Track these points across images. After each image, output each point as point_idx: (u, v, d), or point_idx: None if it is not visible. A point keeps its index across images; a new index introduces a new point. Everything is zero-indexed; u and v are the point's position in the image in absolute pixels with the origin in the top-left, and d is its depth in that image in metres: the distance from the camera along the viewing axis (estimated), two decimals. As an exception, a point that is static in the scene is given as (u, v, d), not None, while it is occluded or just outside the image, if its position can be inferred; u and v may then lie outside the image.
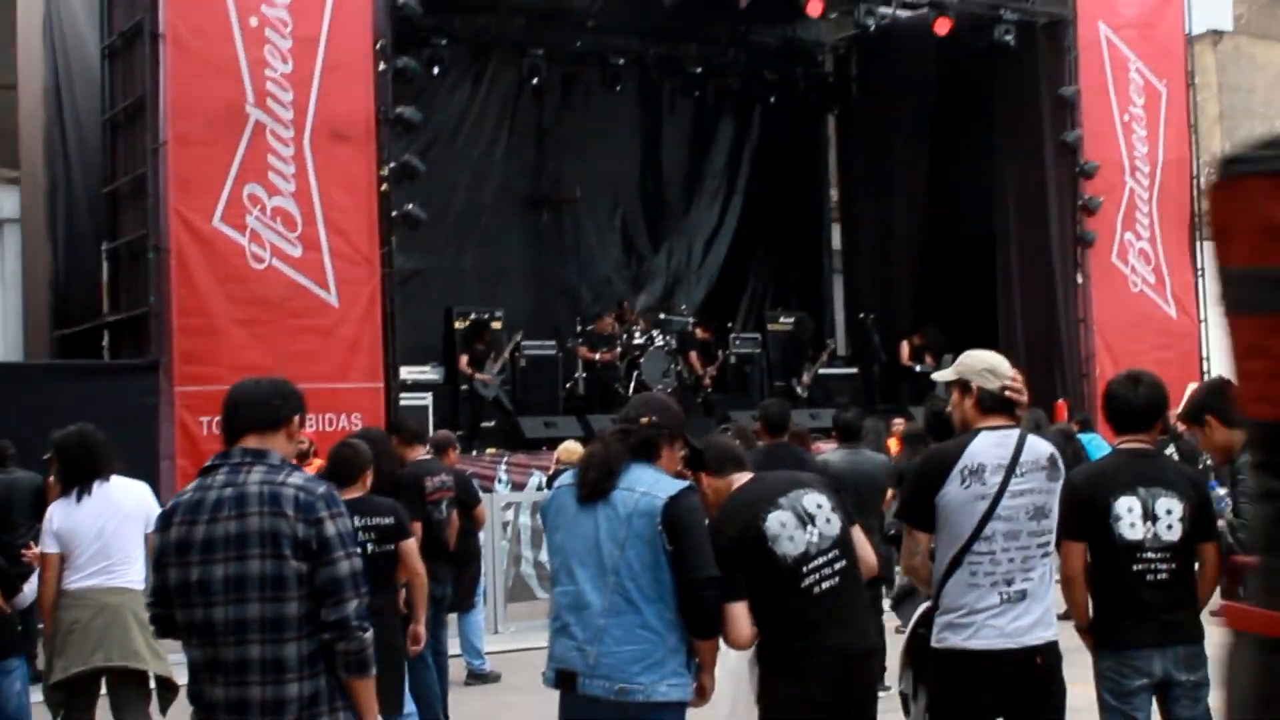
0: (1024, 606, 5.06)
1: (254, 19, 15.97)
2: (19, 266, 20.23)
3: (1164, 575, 5.43)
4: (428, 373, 19.24)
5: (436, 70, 21.39)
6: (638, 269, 23.82)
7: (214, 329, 15.60)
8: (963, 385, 5.38)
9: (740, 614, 4.97)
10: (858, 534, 5.40)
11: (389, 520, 7.28)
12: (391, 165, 16.64)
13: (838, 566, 5.11)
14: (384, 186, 16.60)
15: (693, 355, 20.98)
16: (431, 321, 20.11)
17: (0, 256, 20.42)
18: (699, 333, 21.93)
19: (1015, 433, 5.20)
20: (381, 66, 16.69)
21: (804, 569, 5.05)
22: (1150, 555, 5.42)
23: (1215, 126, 29.84)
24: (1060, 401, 19.75)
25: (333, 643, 4.18)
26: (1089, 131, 21.69)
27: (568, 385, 20.29)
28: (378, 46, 16.68)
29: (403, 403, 17.19)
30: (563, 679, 4.97)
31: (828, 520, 5.15)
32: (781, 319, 23.03)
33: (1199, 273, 23.23)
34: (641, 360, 20.65)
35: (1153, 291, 22.49)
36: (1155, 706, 5.65)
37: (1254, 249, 1.96)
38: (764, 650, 5.12)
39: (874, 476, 10.26)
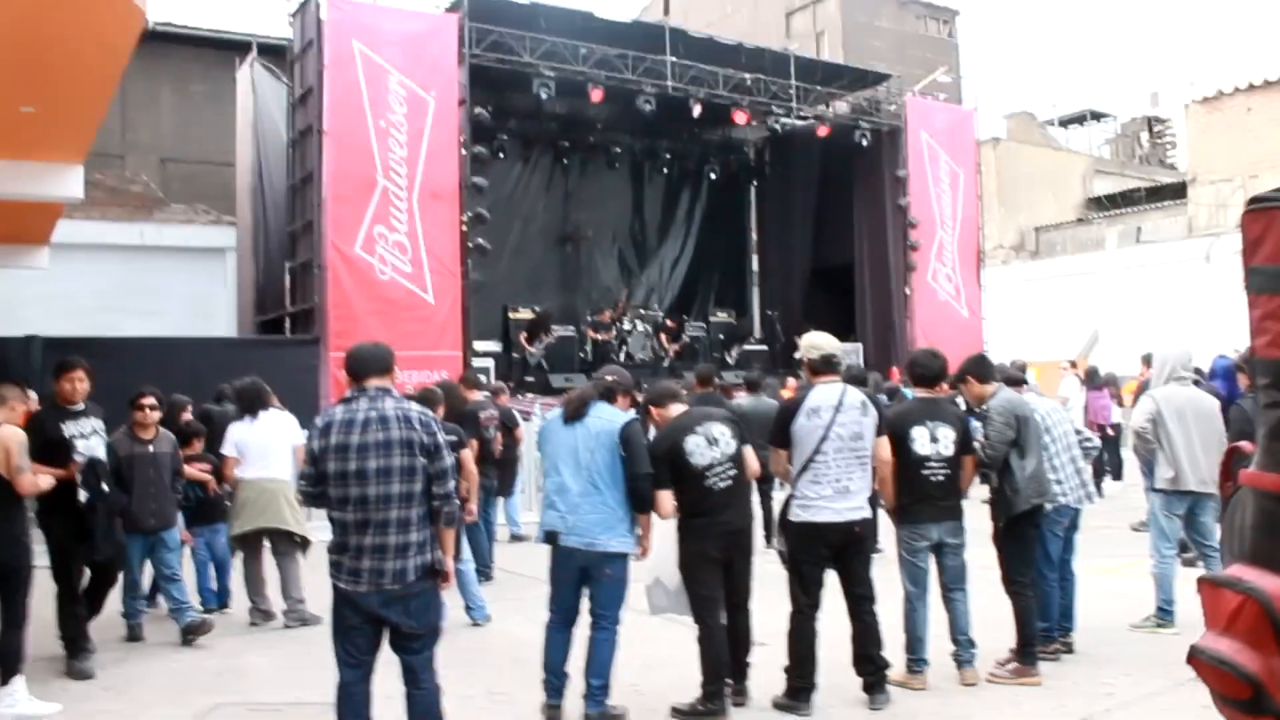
0: (848, 496, 5.33)
1: (382, 121, 16.17)
2: (235, 278, 20.54)
3: (941, 477, 5.69)
4: (491, 345, 19.51)
5: (501, 154, 21.66)
6: (628, 281, 23.85)
7: (354, 317, 15.76)
8: (804, 358, 5.64)
9: (665, 497, 5.24)
10: (748, 451, 5.49)
11: (454, 438, 7.27)
12: (469, 215, 16.89)
13: (731, 474, 5.33)
14: (464, 228, 16.88)
15: (662, 336, 21.20)
16: (495, 314, 20.37)
17: (224, 271, 20.68)
18: (668, 323, 22.10)
19: (840, 385, 5.43)
20: (463, 152, 16.96)
21: (708, 473, 5.26)
22: (933, 464, 5.68)
23: (994, 197, 30.14)
24: (893, 368, 20.04)
25: (440, 507, 4.31)
26: (914, 198, 21.94)
27: (580, 355, 20.56)
28: (461, 139, 16.93)
29: (474, 363, 17.52)
30: (549, 536, 5.29)
31: (727, 443, 5.35)
32: (720, 315, 23.35)
33: (981, 288, 23.66)
34: (629, 339, 21.04)
35: (952, 300, 22.82)
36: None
37: (1274, 252, 1.98)
38: (681, 523, 5.35)
39: (768, 415, 10.41)
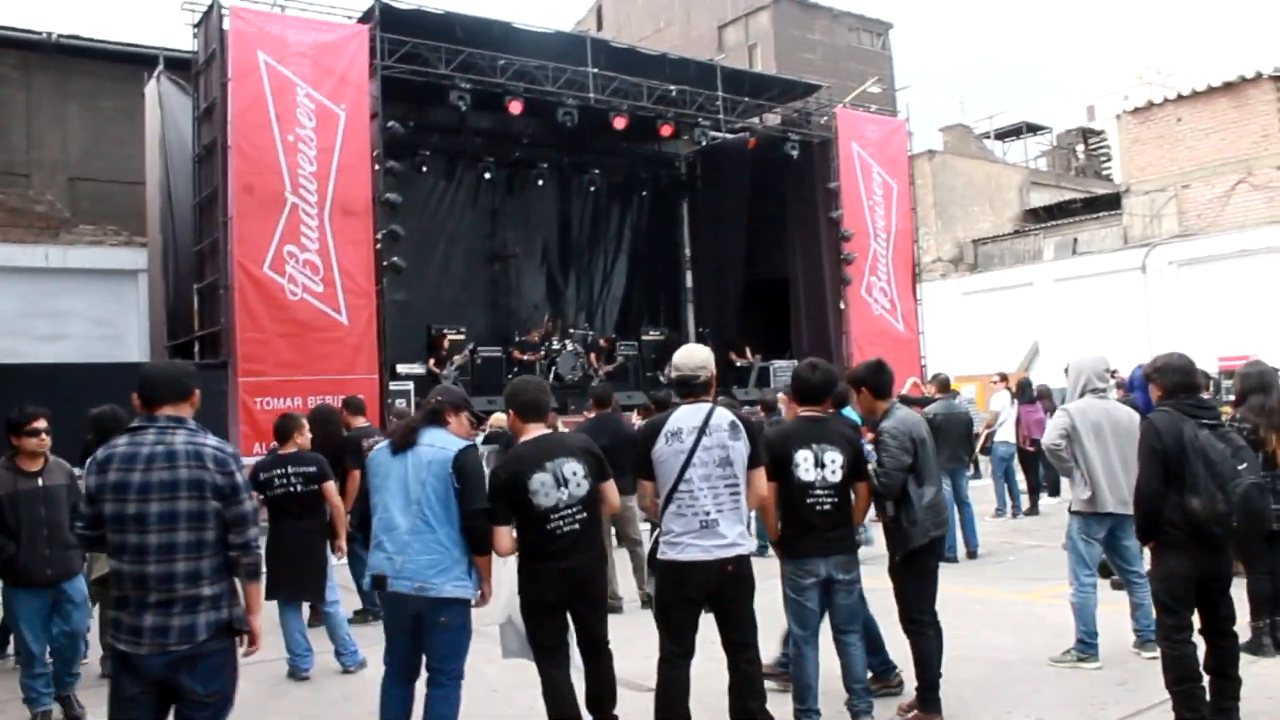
0: (717, 530, 4.71)
1: (290, 135, 15.59)
2: (146, 301, 19.80)
3: (828, 506, 5.12)
4: (416, 368, 18.90)
5: (424, 169, 21.20)
6: (557, 301, 23.45)
7: (264, 340, 15.20)
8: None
9: (501, 534, 4.71)
10: (608, 488, 4.96)
11: (313, 468, 6.83)
12: (383, 232, 16.35)
13: (579, 517, 4.75)
14: (378, 245, 16.32)
15: (592, 355, 20.75)
16: (419, 334, 19.86)
17: (136, 294, 19.94)
18: (600, 342, 21.74)
19: (707, 405, 4.85)
20: (376, 167, 16.45)
21: (552, 516, 4.69)
22: (819, 492, 5.11)
23: (931, 210, 30.04)
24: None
25: (239, 558, 3.83)
26: (846, 211, 21.72)
27: (509, 376, 20.02)
28: (374, 154, 16.42)
29: (392, 387, 16.96)
30: (376, 581, 4.74)
31: (579, 484, 4.75)
32: (652, 333, 22.91)
33: (918, 301, 23.47)
34: (558, 359, 20.53)
35: (888, 315, 22.59)
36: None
37: None
38: (520, 565, 4.80)
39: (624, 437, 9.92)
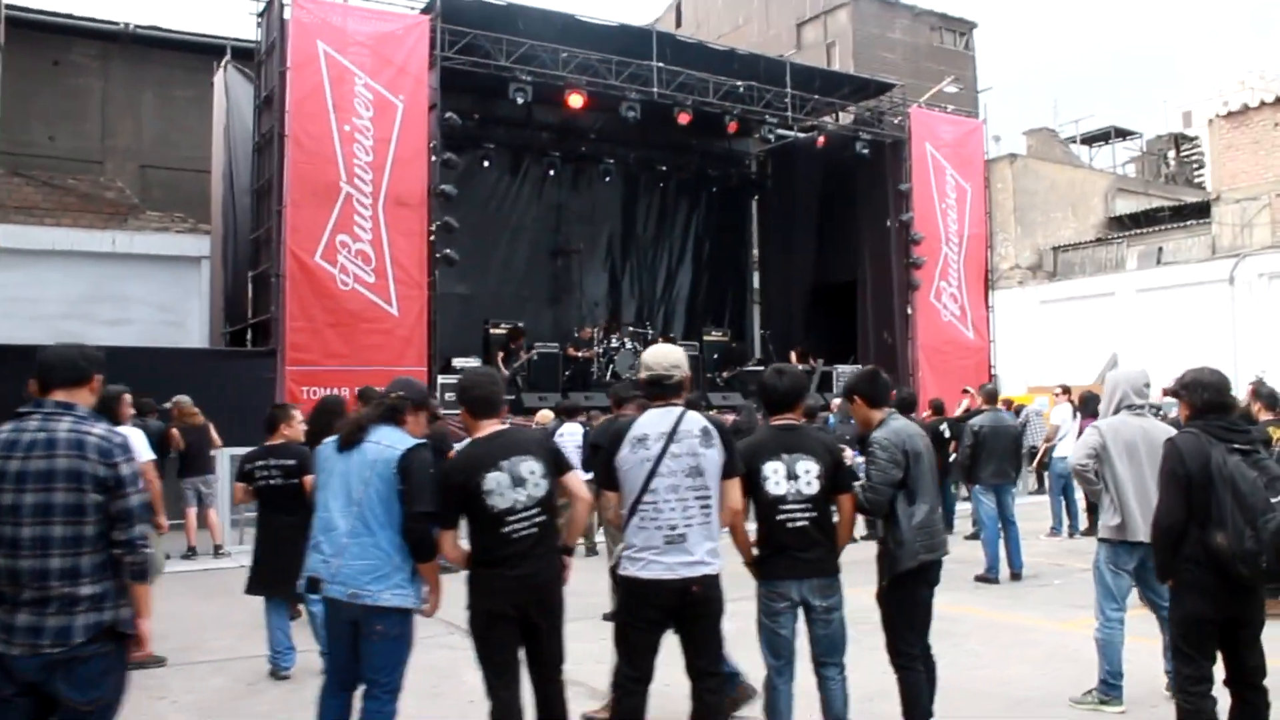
0: (684, 546, 4.26)
1: (347, 125, 15.59)
2: (208, 287, 19.96)
3: (802, 522, 4.61)
4: (471, 362, 18.76)
5: (488, 163, 21.07)
6: (618, 298, 23.23)
7: (314, 329, 15.20)
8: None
9: (447, 539, 4.35)
10: (572, 480, 4.55)
11: (293, 462, 6.52)
12: (437, 224, 16.25)
13: (537, 520, 4.33)
14: (431, 237, 16.23)
15: (646, 354, 20.41)
16: (477, 328, 19.74)
17: (199, 280, 20.12)
18: (659, 341, 21.45)
19: (678, 409, 4.39)
20: (433, 159, 16.32)
21: (507, 519, 4.27)
22: (791, 507, 4.61)
23: (1010, 216, 29.17)
24: (892, 393, 19.15)
25: (122, 556, 3.51)
26: (917, 214, 21.09)
27: (566, 374, 19.83)
28: (431, 145, 16.32)
29: (440, 381, 16.81)
30: (311, 583, 4.43)
31: (536, 485, 4.33)
32: (714, 334, 22.49)
33: (990, 309, 22.73)
34: (616, 357, 20.28)
35: (958, 321, 21.90)
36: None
37: None
38: (470, 571, 4.41)
39: None
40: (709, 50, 19.53)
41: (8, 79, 19.73)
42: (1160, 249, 27.69)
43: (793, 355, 22.04)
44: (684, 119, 18.81)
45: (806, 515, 4.65)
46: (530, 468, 4.36)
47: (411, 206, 16.02)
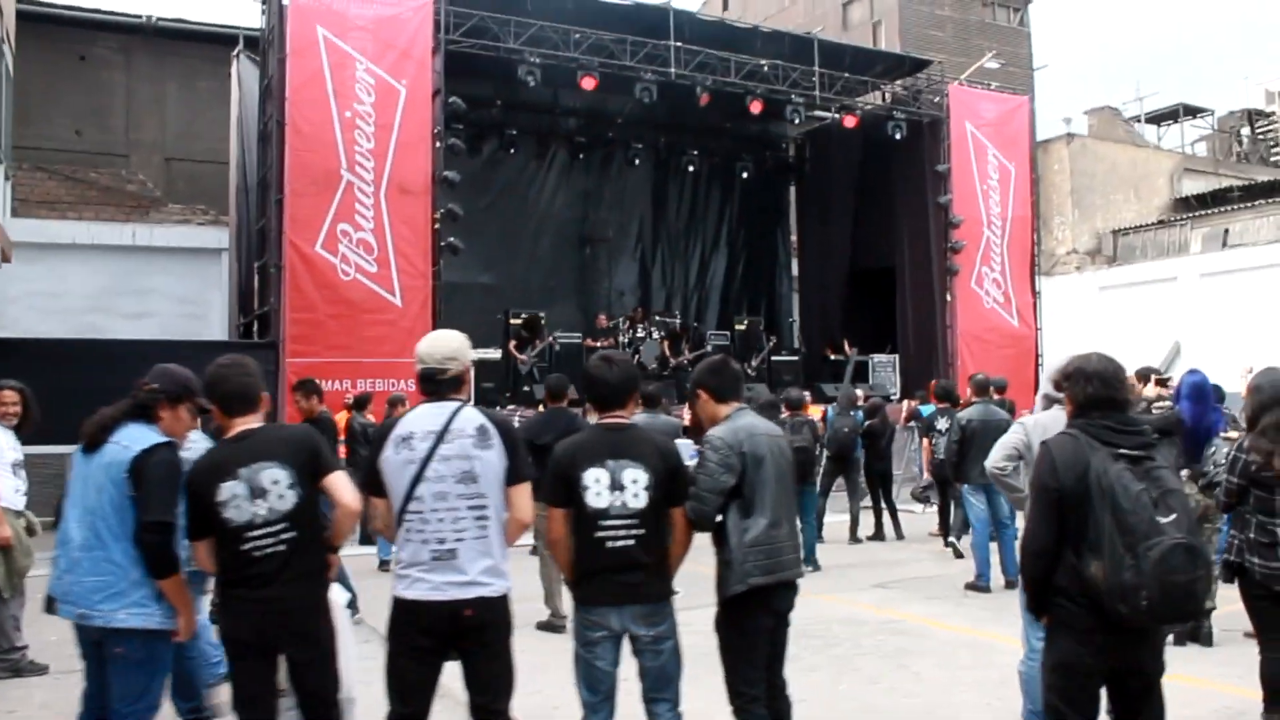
0: (455, 564, 3.69)
1: (348, 112, 15.28)
2: (228, 278, 19.87)
3: (626, 540, 3.93)
4: (491, 353, 18.41)
5: (513, 149, 20.72)
6: (648, 287, 22.70)
7: (315, 320, 14.95)
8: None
9: (199, 551, 3.82)
10: (332, 484, 3.87)
11: None
12: (441, 211, 15.87)
13: (285, 536, 3.73)
14: (436, 225, 15.86)
15: (666, 344, 19.85)
16: (498, 319, 19.38)
17: (220, 273, 20.04)
18: (679, 330, 20.86)
19: (452, 405, 3.81)
20: (437, 145, 15.95)
21: (246, 535, 3.70)
22: (613, 522, 3.93)
23: (1068, 198, 28.02)
24: (932, 382, 18.38)
25: None
26: (957, 196, 20.25)
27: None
28: (435, 130, 15.96)
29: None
30: (48, 603, 3.96)
31: (281, 496, 3.73)
32: (746, 321, 21.82)
33: (1036, 295, 21.77)
34: (642, 348, 19.79)
35: (1001, 309, 20.98)
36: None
37: None
38: (218, 592, 3.93)
39: (666, 435, 9.03)
40: (731, 29, 18.93)
41: (33, 75, 19.87)
42: (1226, 231, 26.33)
43: (828, 346, 21.41)
44: (704, 100, 18.20)
45: (632, 533, 3.96)
46: (273, 476, 3.75)
47: (415, 194, 15.66)
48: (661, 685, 4.07)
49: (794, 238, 24.65)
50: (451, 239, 15.84)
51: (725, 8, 35.08)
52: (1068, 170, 28.12)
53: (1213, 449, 6.45)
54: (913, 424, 15.23)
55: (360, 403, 12.38)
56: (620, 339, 19.55)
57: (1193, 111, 34.13)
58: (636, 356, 19.63)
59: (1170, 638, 7.07)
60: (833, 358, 21.06)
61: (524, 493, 3.85)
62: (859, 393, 14.60)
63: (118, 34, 20.77)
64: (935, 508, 12.67)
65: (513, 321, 18.84)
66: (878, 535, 12.46)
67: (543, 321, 18.92)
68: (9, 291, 18.39)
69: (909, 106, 20.56)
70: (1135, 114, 33.22)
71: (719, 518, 4.21)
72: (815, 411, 14.51)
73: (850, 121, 20.18)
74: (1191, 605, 3.49)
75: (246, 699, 3.78)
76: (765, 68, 18.60)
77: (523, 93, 19.03)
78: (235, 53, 18.23)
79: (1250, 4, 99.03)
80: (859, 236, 22.84)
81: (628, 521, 3.96)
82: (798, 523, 4.55)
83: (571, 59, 17.08)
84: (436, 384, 3.87)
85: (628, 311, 20.56)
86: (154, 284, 19.48)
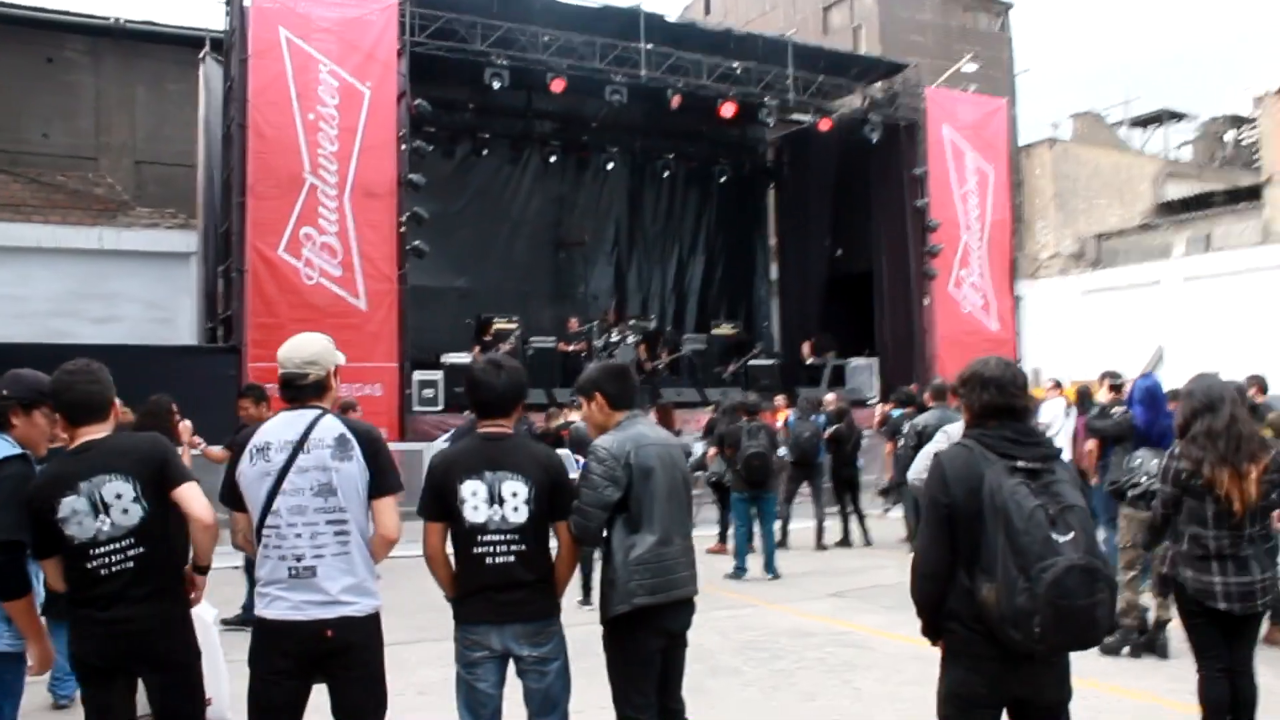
0: (314, 582, 3.47)
1: (311, 114, 15.15)
2: (196, 284, 19.64)
3: (506, 557, 3.75)
4: (463, 357, 18.14)
5: (485, 152, 20.53)
6: (624, 291, 22.48)
7: (277, 324, 14.67)
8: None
9: (46, 567, 3.62)
10: (185, 495, 3.63)
11: None
12: (407, 214, 15.68)
13: (132, 554, 3.53)
14: (402, 229, 15.67)
15: (641, 348, 19.64)
16: (468, 323, 19.21)
17: (189, 276, 19.78)
18: (654, 335, 20.70)
19: (311, 413, 3.59)
20: (402, 148, 15.77)
21: (92, 552, 3.50)
22: (492, 537, 3.75)
23: (1050, 202, 27.83)
24: (913, 386, 18.21)
25: None
26: (934, 199, 20.15)
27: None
28: (400, 134, 15.78)
29: (417, 377, 16.24)
30: None
31: (125, 511, 3.52)
32: (724, 326, 21.61)
33: (1016, 298, 21.66)
34: (616, 352, 19.59)
35: (980, 312, 20.90)
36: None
37: None
38: (69, 612, 3.66)
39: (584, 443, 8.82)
40: (702, 31, 18.83)
41: (3, 79, 19.68)
42: (1209, 235, 26.17)
43: (805, 347, 21.24)
44: (676, 102, 18.08)
45: (512, 549, 3.78)
46: (117, 490, 3.54)
47: (380, 197, 15.51)
48: (547, 709, 3.88)
49: (773, 242, 24.46)
50: (417, 243, 15.67)
51: (708, 11, 34.94)
52: (1050, 174, 27.92)
53: (1138, 459, 6.23)
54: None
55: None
56: (594, 342, 19.38)
57: (1176, 116, 34.06)
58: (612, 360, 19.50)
59: (1126, 649, 6.97)
60: (810, 361, 20.89)
61: (388, 506, 3.63)
62: (830, 396, 14.38)
63: (86, 36, 20.52)
64: (895, 511, 12.53)
65: (498, 326, 18.68)
66: (844, 542, 12.27)
67: (513, 325, 18.76)
68: (-29, 296, 18.19)
69: (885, 110, 20.41)
70: (1119, 119, 33.11)
71: (605, 533, 4.00)
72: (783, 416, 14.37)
73: (825, 125, 20.03)
74: (1092, 633, 3.18)
75: None
76: (738, 70, 18.46)
77: (496, 96, 18.82)
78: (202, 55, 17.98)
79: (1232, 11, 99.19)
80: (837, 240, 22.69)
81: (507, 537, 3.78)
82: (693, 537, 4.31)
83: (540, 61, 16.92)
84: (297, 389, 3.66)
85: (603, 314, 20.37)
86: (121, 288, 19.22)
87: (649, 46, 17.46)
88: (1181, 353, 23.48)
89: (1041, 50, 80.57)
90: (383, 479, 3.61)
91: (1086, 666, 6.66)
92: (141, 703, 3.69)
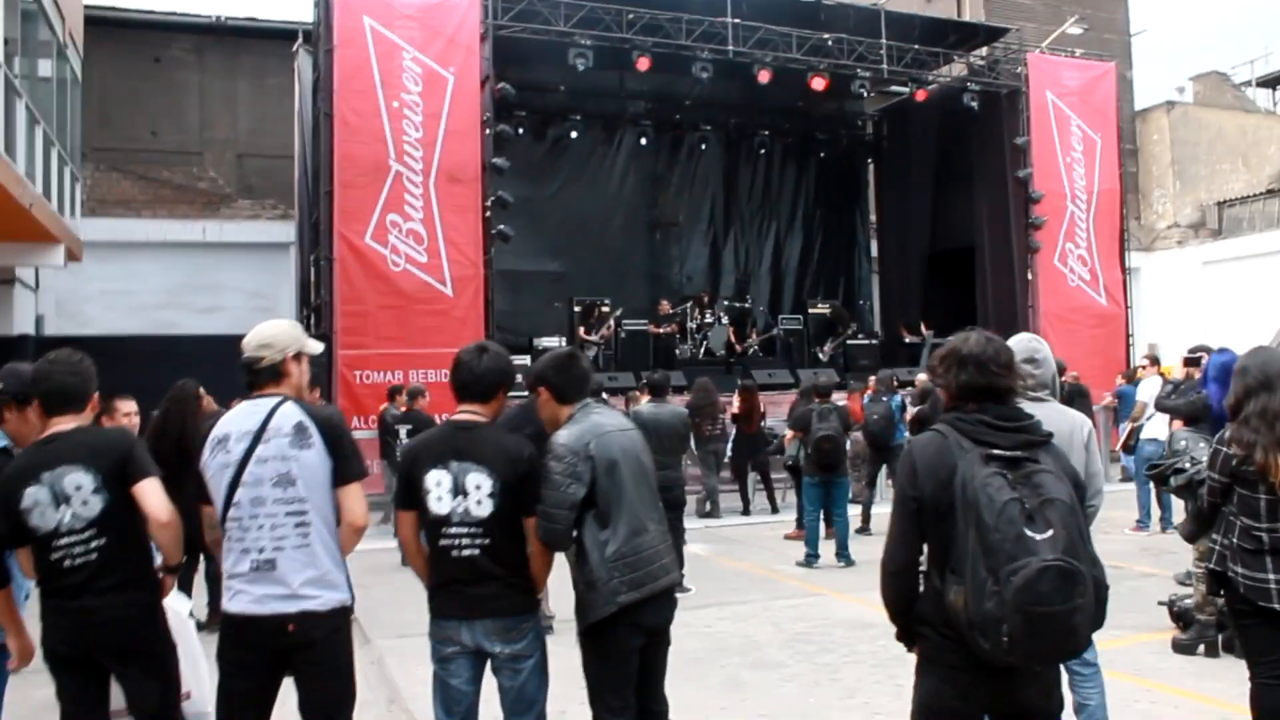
0: (274, 575, 3.39)
1: (395, 102, 15.19)
2: (295, 273, 20.03)
3: (472, 550, 3.60)
4: (553, 341, 18.14)
5: (574, 135, 20.41)
6: (719, 271, 22.14)
7: (365, 312, 14.90)
8: None
9: (20, 557, 3.61)
10: (145, 491, 3.54)
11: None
12: (492, 199, 15.66)
13: (95, 544, 3.50)
14: (487, 214, 15.65)
15: (732, 329, 19.33)
16: (556, 306, 19.18)
17: (289, 266, 20.20)
18: (746, 315, 20.37)
19: (270, 401, 3.50)
20: (486, 132, 15.74)
21: (54, 544, 3.48)
22: (456, 529, 3.61)
23: (1169, 170, 26.54)
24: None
25: None
26: (1037, 169, 19.34)
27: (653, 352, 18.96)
28: (484, 118, 15.73)
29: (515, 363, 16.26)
30: None
31: (85, 502, 3.48)
32: (820, 306, 21.14)
33: (1126, 271, 20.67)
34: (710, 334, 19.39)
35: (1088, 286, 19.96)
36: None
37: None
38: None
39: (672, 424, 8.48)
40: (792, 3, 18.19)
41: (112, 80, 20.31)
42: (1342, 199, 24.66)
43: (903, 328, 20.67)
44: (764, 77, 17.68)
45: (477, 542, 3.62)
46: (76, 481, 3.50)
47: (465, 182, 15.49)
48: (521, 708, 3.72)
49: (873, 218, 23.83)
50: (502, 227, 15.63)
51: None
52: (1168, 140, 26.65)
53: (1182, 442, 5.70)
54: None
55: (391, 393, 12.23)
56: (689, 324, 19.16)
57: (1313, 73, 32.03)
58: (705, 343, 19.25)
59: (1202, 648, 6.49)
60: (908, 340, 20.32)
61: (353, 494, 3.54)
62: (921, 376, 13.88)
63: (190, 35, 21.06)
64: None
65: (576, 309, 18.61)
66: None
67: (606, 308, 18.65)
68: (85, 290, 18.86)
69: (986, 78, 19.64)
70: (1246, 79, 31.32)
71: (575, 533, 3.77)
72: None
73: (921, 95, 19.39)
74: (1070, 642, 2.81)
75: (67, 715, 3.55)
76: (829, 42, 17.94)
77: (587, 78, 18.66)
78: (295, 47, 18.27)
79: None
80: (938, 215, 22.00)
81: (471, 529, 3.63)
82: (666, 522, 4.09)
83: (625, 40, 16.68)
84: (253, 374, 3.59)
85: (699, 294, 20.09)
86: (225, 279, 19.77)
87: (736, 21, 17.06)
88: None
89: (1162, 9, 76.61)
90: (345, 466, 3.52)
91: (1156, 665, 6.27)
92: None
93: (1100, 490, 4.54)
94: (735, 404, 13.69)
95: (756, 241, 22.67)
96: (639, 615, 3.79)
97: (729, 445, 13.85)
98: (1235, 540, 4.13)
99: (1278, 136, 28.60)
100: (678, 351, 18.54)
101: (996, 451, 2.87)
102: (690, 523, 13.13)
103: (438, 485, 3.64)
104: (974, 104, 19.06)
